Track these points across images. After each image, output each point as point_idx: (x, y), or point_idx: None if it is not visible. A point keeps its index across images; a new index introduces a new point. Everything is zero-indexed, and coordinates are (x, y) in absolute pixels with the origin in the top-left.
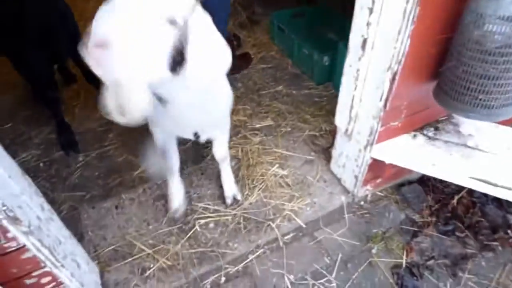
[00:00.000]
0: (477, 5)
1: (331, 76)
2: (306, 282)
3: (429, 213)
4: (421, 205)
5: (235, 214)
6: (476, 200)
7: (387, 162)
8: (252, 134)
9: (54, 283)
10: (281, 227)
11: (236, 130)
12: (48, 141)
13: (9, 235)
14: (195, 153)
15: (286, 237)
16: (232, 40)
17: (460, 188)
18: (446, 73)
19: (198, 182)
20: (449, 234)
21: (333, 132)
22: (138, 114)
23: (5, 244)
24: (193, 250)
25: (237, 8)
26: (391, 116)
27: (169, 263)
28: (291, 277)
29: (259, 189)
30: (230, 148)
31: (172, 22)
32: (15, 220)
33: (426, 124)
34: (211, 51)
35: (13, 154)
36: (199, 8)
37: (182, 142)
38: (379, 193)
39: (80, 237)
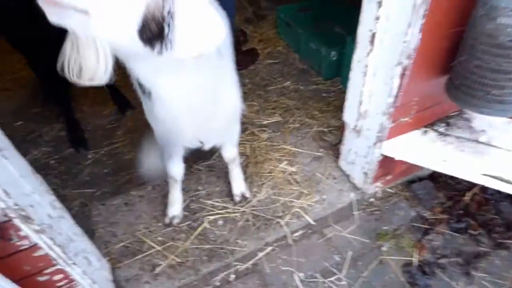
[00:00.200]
0: None
1: (339, 71)
2: (315, 280)
3: (440, 210)
4: (432, 202)
5: (244, 211)
6: (489, 197)
7: (397, 158)
8: (260, 131)
9: (66, 281)
10: (290, 224)
11: (243, 126)
12: (58, 138)
13: (21, 233)
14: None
15: (295, 235)
16: (239, 35)
17: (472, 185)
18: (458, 67)
19: (207, 179)
20: (461, 231)
21: (341, 128)
22: (94, 77)
23: (18, 242)
24: (202, 247)
25: (243, 3)
26: (401, 112)
27: (178, 260)
28: (301, 274)
29: (267, 186)
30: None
31: None
32: (27, 219)
33: (437, 120)
34: (201, 27)
35: (24, 152)
36: None
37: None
38: (389, 190)
39: (91, 234)
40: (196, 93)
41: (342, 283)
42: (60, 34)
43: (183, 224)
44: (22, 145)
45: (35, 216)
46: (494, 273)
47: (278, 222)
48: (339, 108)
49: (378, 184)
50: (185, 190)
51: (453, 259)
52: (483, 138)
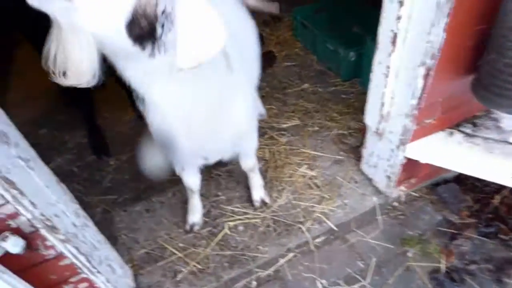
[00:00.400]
0: None
1: (358, 72)
2: (339, 287)
3: (468, 214)
4: (459, 205)
5: (264, 217)
6: None
7: (422, 161)
8: (279, 135)
9: None
10: (312, 230)
11: (262, 130)
12: (80, 145)
13: (48, 243)
14: None
15: (317, 240)
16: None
17: (501, 187)
18: (485, 66)
19: (226, 184)
20: (491, 236)
21: (362, 131)
22: (79, 75)
23: (44, 252)
24: (223, 254)
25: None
26: (425, 113)
27: (199, 266)
28: (324, 281)
29: (287, 191)
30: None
31: None
32: (52, 228)
33: (463, 120)
34: (200, 33)
35: (48, 159)
36: None
37: None
38: (414, 193)
39: (113, 240)
40: (194, 105)
41: None
42: None
43: (203, 230)
44: (46, 152)
45: (60, 225)
46: None
47: (299, 228)
48: (359, 110)
49: (402, 187)
50: (204, 196)
51: (483, 265)
52: None
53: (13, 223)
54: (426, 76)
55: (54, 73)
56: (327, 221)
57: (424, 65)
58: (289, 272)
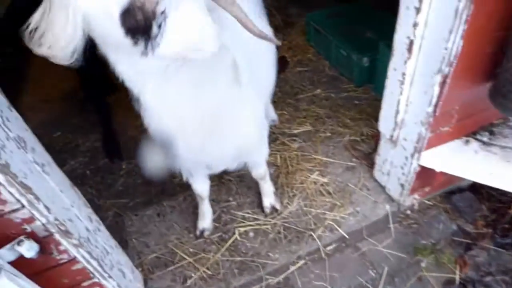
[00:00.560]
0: None
1: (371, 78)
2: None
3: (484, 223)
4: (475, 214)
5: (275, 223)
6: None
7: (437, 170)
8: (290, 140)
9: None
10: (323, 238)
11: (274, 136)
12: (94, 149)
13: (61, 247)
14: None
15: (328, 248)
16: None
17: None
18: (504, 74)
19: (237, 189)
20: (507, 247)
21: (375, 137)
22: (55, 46)
23: (58, 256)
24: (233, 260)
25: (271, 11)
26: (441, 121)
27: (209, 272)
28: None
29: (299, 198)
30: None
31: None
32: (66, 233)
33: (479, 128)
34: (191, 31)
35: (63, 162)
36: None
37: None
38: (427, 202)
39: (124, 244)
40: (189, 111)
41: None
42: None
43: (214, 236)
44: (60, 155)
45: (73, 230)
46: None
47: (310, 235)
48: (372, 116)
49: (416, 196)
50: (215, 201)
51: (500, 277)
52: None
53: (28, 228)
54: (443, 83)
55: (31, 40)
56: (338, 228)
57: (440, 73)
58: (299, 280)
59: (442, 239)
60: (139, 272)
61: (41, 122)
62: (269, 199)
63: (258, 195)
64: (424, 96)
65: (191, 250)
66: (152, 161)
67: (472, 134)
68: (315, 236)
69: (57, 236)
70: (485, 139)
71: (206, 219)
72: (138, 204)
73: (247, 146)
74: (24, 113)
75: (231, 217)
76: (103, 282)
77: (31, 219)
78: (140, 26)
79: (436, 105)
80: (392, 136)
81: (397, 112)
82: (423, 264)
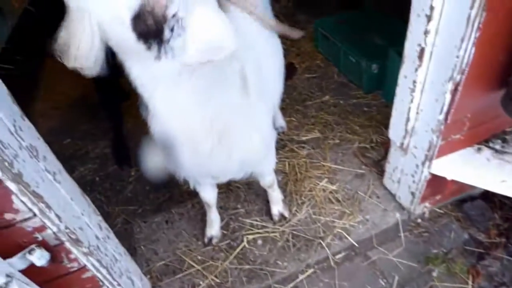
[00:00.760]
0: None
1: (381, 84)
2: None
3: (496, 233)
4: (487, 223)
5: (283, 231)
6: None
7: (449, 178)
8: (299, 147)
9: None
10: (332, 246)
11: (282, 143)
12: (103, 155)
13: (72, 256)
14: None
15: (337, 257)
16: None
17: None
18: None
19: (246, 197)
20: None
21: (385, 144)
22: (79, 57)
23: (68, 264)
24: (241, 267)
25: (279, 17)
26: (452, 129)
27: (217, 280)
28: None
29: (307, 205)
30: (276, 162)
31: None
32: (77, 241)
33: (492, 136)
34: (209, 31)
35: (72, 169)
36: None
37: None
38: (438, 210)
39: (133, 251)
40: (197, 119)
41: None
42: None
43: (222, 243)
44: (69, 162)
45: (83, 238)
46: None
47: (319, 243)
48: (382, 123)
49: (427, 204)
50: (223, 208)
51: None
52: None
53: (39, 236)
54: (454, 91)
55: (61, 55)
56: (348, 237)
57: (452, 80)
58: None
59: (453, 248)
60: (148, 279)
61: (51, 129)
62: (277, 206)
63: (267, 202)
64: (435, 103)
65: (199, 257)
66: (153, 162)
67: (484, 142)
68: (324, 244)
69: (67, 245)
70: (497, 147)
71: (214, 227)
72: (147, 211)
73: (254, 157)
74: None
75: (239, 224)
76: None
77: (42, 228)
78: (151, 31)
79: (447, 113)
80: (402, 143)
81: (408, 119)
82: (434, 274)
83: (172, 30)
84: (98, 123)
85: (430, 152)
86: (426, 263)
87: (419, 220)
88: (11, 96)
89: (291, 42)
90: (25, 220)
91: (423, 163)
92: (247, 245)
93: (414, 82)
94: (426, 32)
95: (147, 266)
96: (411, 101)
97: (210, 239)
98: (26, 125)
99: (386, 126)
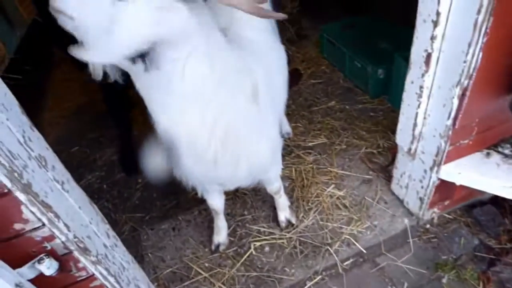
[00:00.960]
0: None
1: (386, 89)
2: None
3: (507, 238)
4: (498, 229)
5: (290, 238)
6: None
7: (457, 183)
8: (305, 153)
9: None
10: (340, 252)
11: (288, 149)
12: (110, 163)
13: (80, 265)
14: None
15: (345, 263)
16: None
17: None
18: None
19: (252, 203)
20: None
21: (392, 150)
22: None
23: (77, 273)
24: (248, 275)
25: (284, 23)
26: (460, 134)
27: (225, 287)
28: None
29: (314, 211)
30: (283, 168)
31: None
32: (85, 250)
33: (501, 141)
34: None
35: (80, 177)
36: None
37: None
38: (447, 216)
39: (140, 258)
40: (197, 127)
41: None
42: None
43: (229, 250)
44: (77, 170)
45: (92, 247)
46: None
47: (327, 250)
48: (388, 128)
49: (435, 209)
50: (230, 215)
51: None
52: None
53: (48, 246)
54: (462, 96)
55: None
56: (356, 243)
57: (459, 85)
58: None
59: (463, 254)
60: (155, 287)
61: (58, 137)
62: (284, 213)
63: (273, 208)
64: (443, 109)
65: (206, 265)
66: (154, 164)
67: (493, 146)
68: (331, 251)
69: (76, 254)
70: (506, 151)
71: (221, 234)
72: (154, 218)
73: (262, 163)
74: (42, 128)
75: (246, 231)
76: None
77: (51, 237)
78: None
79: (455, 118)
80: (410, 149)
81: (415, 125)
82: (444, 280)
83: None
84: (105, 131)
85: (438, 157)
86: (436, 270)
87: (428, 226)
88: (20, 107)
89: (296, 48)
90: (34, 229)
91: (431, 168)
92: (254, 252)
93: (421, 87)
94: (432, 38)
95: (155, 274)
96: (418, 106)
97: (217, 246)
98: (35, 135)
99: (393, 131)
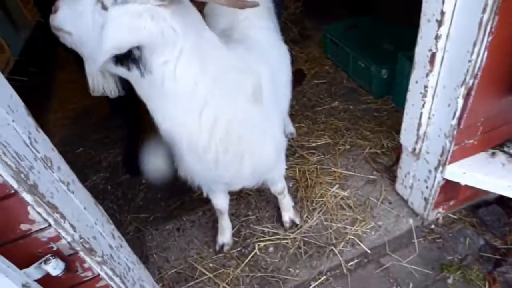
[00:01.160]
0: None
1: (390, 89)
2: None
3: None
4: (503, 229)
5: (295, 238)
6: None
7: (462, 183)
8: (309, 154)
9: None
10: (344, 253)
11: (292, 149)
12: (115, 164)
13: (86, 265)
14: None
15: (350, 264)
16: None
17: None
18: None
19: (256, 203)
20: None
21: (396, 150)
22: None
23: (82, 274)
24: (253, 275)
25: (287, 24)
26: (465, 134)
27: None
28: None
29: (319, 212)
30: (286, 168)
31: (104, 7)
32: (90, 251)
33: (506, 140)
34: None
35: (85, 177)
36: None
37: None
38: (452, 216)
39: (145, 259)
40: (195, 129)
41: None
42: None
43: (233, 251)
44: (82, 171)
45: (97, 247)
46: None
47: (331, 250)
48: (392, 128)
49: (440, 210)
50: (234, 215)
51: None
52: None
53: (54, 246)
54: (467, 96)
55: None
56: (360, 243)
57: (464, 85)
58: None
59: (469, 255)
60: (160, 287)
61: (63, 139)
62: (288, 213)
63: (278, 209)
64: (448, 108)
65: (211, 265)
66: (154, 164)
67: (499, 146)
68: (336, 251)
69: (82, 254)
70: None
71: (225, 234)
72: (158, 218)
73: (266, 164)
74: (48, 130)
75: (250, 231)
76: None
77: (57, 238)
78: (123, 55)
79: (460, 118)
80: (414, 149)
81: (420, 125)
82: (449, 281)
83: (138, 48)
84: (110, 132)
85: (443, 157)
86: (441, 270)
87: (432, 226)
88: (26, 108)
89: (299, 48)
90: (41, 230)
91: (436, 168)
92: (258, 252)
93: (426, 87)
94: (437, 37)
95: (159, 274)
96: (423, 106)
97: (222, 247)
98: (41, 137)
99: (397, 131)
